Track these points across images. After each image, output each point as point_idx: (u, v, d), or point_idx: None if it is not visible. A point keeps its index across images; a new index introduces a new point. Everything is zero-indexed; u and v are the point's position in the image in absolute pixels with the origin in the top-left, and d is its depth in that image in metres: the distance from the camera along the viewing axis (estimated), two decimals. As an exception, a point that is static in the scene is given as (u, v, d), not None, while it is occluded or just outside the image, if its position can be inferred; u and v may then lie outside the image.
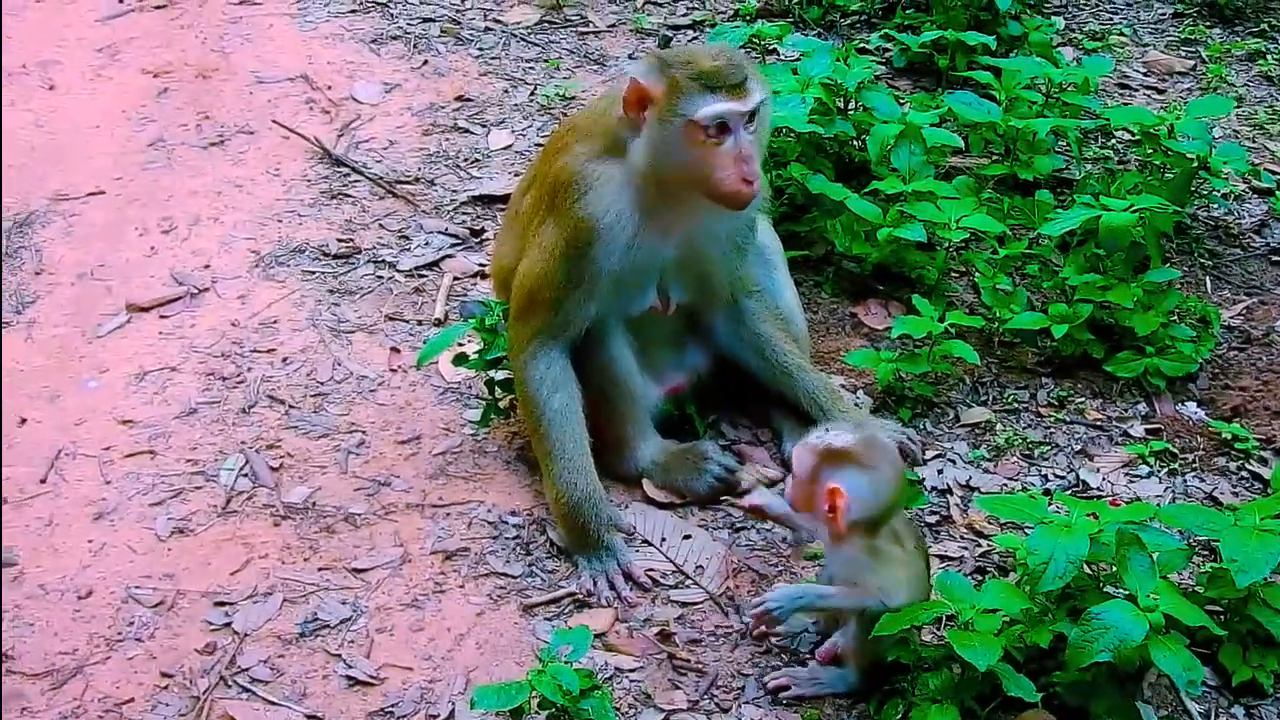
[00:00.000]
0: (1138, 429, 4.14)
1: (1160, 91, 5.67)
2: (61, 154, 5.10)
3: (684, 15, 6.07)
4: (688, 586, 3.66)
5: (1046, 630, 3.18)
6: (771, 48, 5.57)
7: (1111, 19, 6.23)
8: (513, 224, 3.94)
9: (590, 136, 3.70)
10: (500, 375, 3.98)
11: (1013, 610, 3.17)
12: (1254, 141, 5.38)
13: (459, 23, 5.89)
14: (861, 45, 5.70)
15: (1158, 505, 3.74)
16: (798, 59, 5.05)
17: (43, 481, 3.91)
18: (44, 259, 4.68)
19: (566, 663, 3.18)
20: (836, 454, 3.22)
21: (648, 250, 3.69)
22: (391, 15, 5.94)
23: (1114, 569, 3.21)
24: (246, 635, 3.49)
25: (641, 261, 3.70)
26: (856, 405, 4.12)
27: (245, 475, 3.93)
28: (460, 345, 4.04)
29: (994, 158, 5.03)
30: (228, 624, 3.52)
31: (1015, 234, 4.64)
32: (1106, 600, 3.14)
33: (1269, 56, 5.89)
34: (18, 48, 5.61)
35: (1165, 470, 4.00)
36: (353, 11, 5.95)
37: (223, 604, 3.57)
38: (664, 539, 3.79)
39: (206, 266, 4.66)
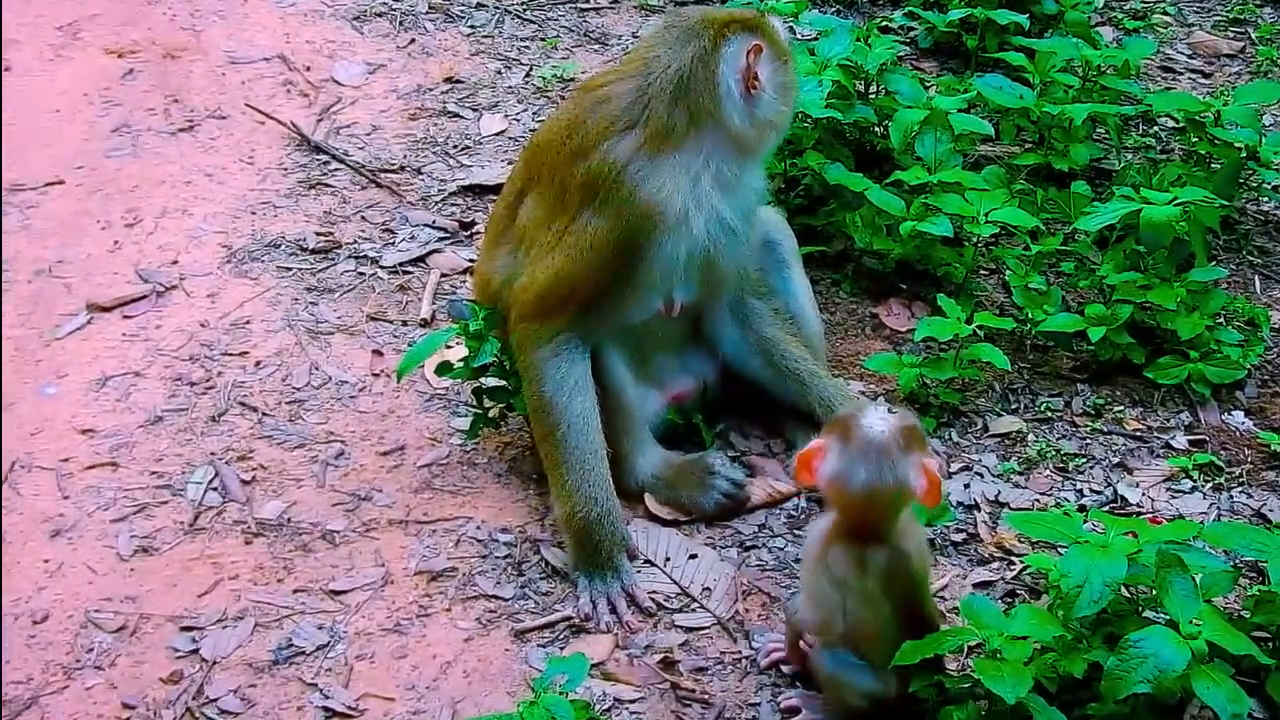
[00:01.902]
0: (1180, 440, 4.13)
1: (1207, 75, 5.67)
2: (17, 141, 5.11)
3: (691, -9, 6.08)
4: (693, 610, 3.65)
5: (1081, 659, 3.17)
6: (787, 25, 5.56)
7: (1155, -5, 6.25)
8: (505, 232, 3.91)
9: (636, 126, 3.66)
10: (490, 383, 3.98)
11: (1044, 638, 3.16)
12: (1308, 129, 5.37)
13: (449, -2, 5.90)
14: (884, 24, 5.70)
15: (1201, 523, 3.73)
16: (815, 39, 5.05)
17: (-5, 496, 3.92)
18: (-1, 254, 4.70)
19: (561, 693, 3.18)
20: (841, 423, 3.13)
21: (708, 235, 3.70)
22: (375, -10, 5.95)
23: (1153, 593, 3.20)
24: (215, 663, 3.49)
25: (696, 250, 3.71)
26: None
27: (214, 489, 3.93)
28: (449, 348, 4.04)
29: (1027, 146, 5.03)
30: (195, 650, 3.51)
31: (1049, 229, 4.64)
32: (1145, 626, 3.14)
33: (1324, 37, 5.90)
34: (-30, 25, 5.62)
35: (1210, 485, 4.00)
36: (333, -14, 5.96)
37: (189, 629, 3.57)
38: (668, 559, 3.79)
39: (174, 262, 4.66)
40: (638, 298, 3.73)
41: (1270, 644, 3.40)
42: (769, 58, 3.68)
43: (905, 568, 3.14)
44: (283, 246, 4.72)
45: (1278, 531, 3.40)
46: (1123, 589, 3.33)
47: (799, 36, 5.55)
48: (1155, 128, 5.28)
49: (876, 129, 4.84)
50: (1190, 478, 4.01)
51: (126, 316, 4.48)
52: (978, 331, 4.15)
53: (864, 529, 3.13)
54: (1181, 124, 4.93)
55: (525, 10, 5.87)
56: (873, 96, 4.85)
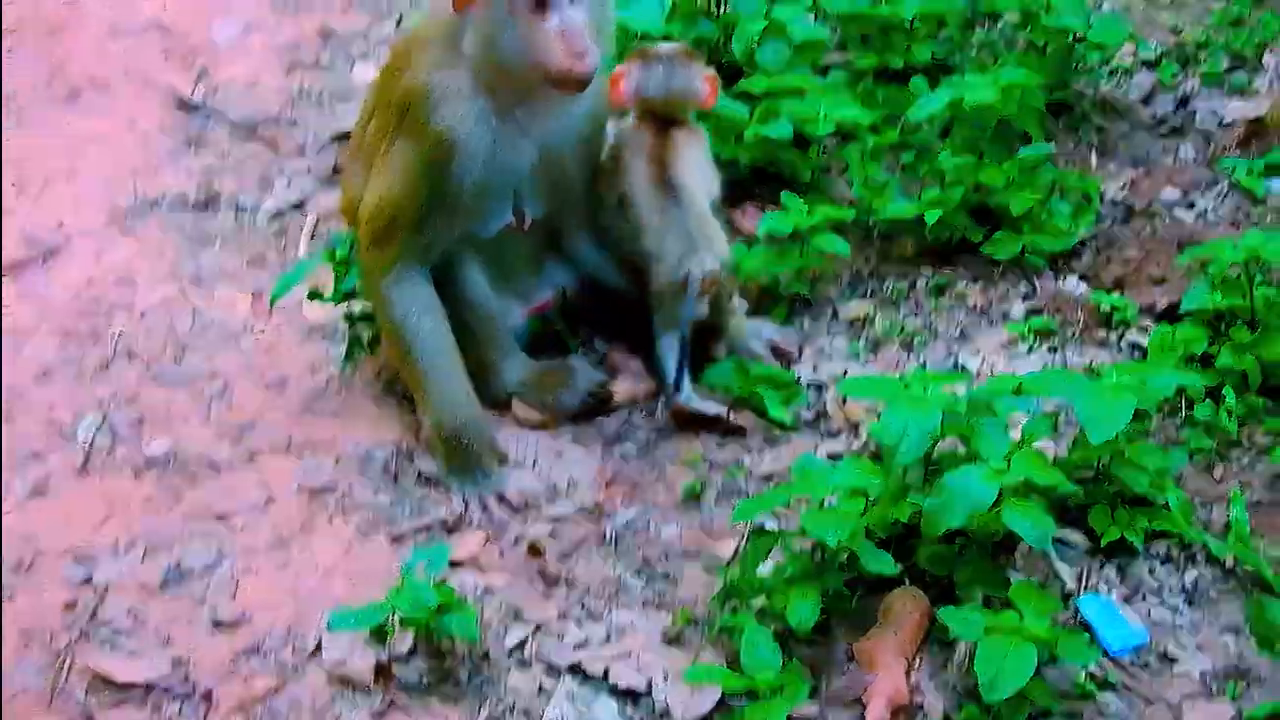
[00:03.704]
0: (1018, 309, 4.31)
1: (1050, -29, 5.80)
2: (-99, 120, 5.20)
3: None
4: (560, 501, 3.82)
5: (907, 505, 3.35)
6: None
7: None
8: (358, 153, 4.06)
9: (431, 44, 3.82)
10: (359, 308, 4.12)
11: (869, 487, 3.33)
12: (1144, 15, 5.52)
13: (320, -45, 5.99)
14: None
15: (1030, 373, 3.89)
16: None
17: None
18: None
19: (434, 582, 3.34)
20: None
21: (507, 158, 3.83)
22: (248, -46, 6.03)
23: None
24: (108, 589, 3.62)
25: (501, 171, 3.84)
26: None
27: (104, 432, 4.06)
28: (322, 284, 4.17)
29: (876, 51, 5.15)
30: (88, 579, 3.65)
31: (891, 124, 4.79)
32: (971, 472, 3.32)
33: (1163, -73, 6.04)
34: None
35: (1046, 347, 4.17)
36: (207, -47, 6.04)
37: (84, 560, 3.70)
38: (536, 459, 3.94)
39: (60, 225, 4.77)
40: (462, 220, 3.84)
41: (1091, 481, 3.59)
42: None
43: (700, 132, 4.12)
44: (164, 203, 4.84)
45: (1093, 377, 3.57)
46: (960, 444, 3.51)
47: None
48: (1001, 23, 5.43)
49: (727, 46, 4.96)
50: (1026, 342, 4.18)
51: (16, 279, 4.59)
52: (820, 224, 4.29)
53: (663, 124, 4.02)
54: (1021, 19, 5.08)
55: (395, -39, 5.97)
56: (724, 14, 4.98)
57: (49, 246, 4.68)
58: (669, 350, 3.97)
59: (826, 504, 3.33)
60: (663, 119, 4.05)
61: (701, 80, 4.08)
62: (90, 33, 5.58)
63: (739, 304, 4.30)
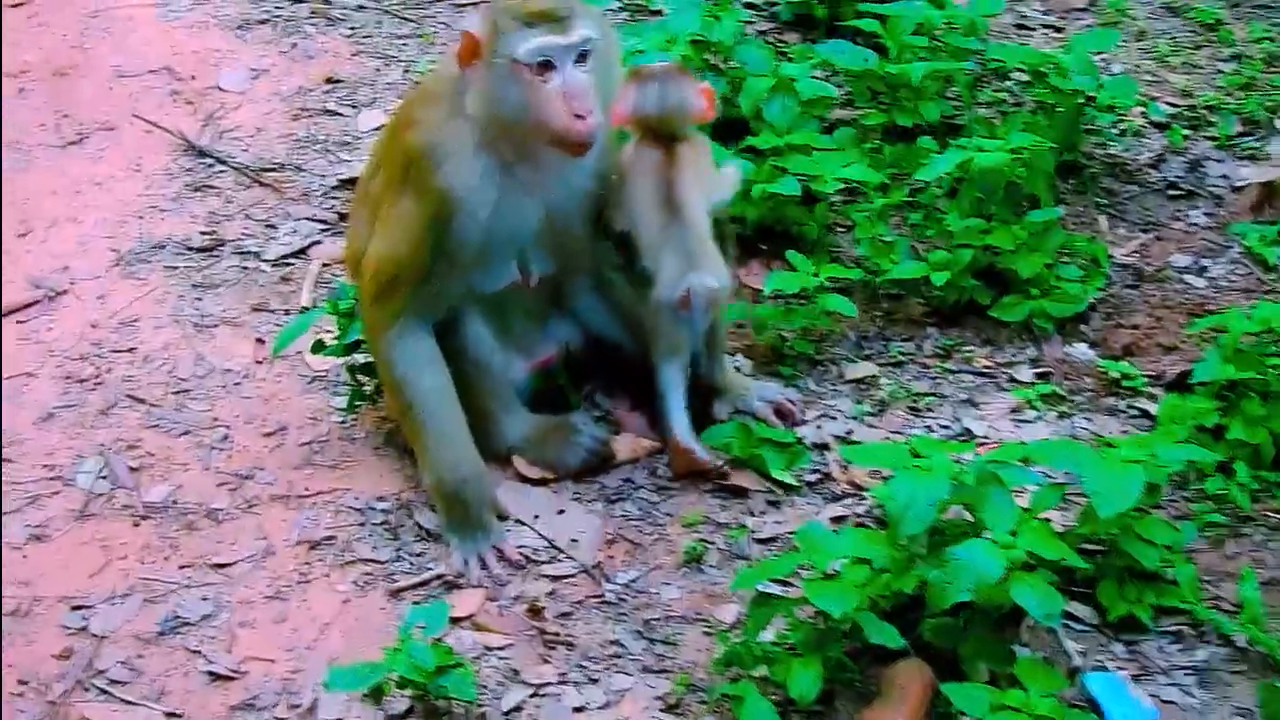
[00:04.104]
0: (1025, 374, 4.29)
1: (1059, 30, 5.83)
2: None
3: (565, -19, 6.19)
4: (560, 561, 3.79)
5: (913, 576, 3.32)
6: (655, 9, 5.72)
7: (1010, -45, 6.39)
8: (362, 206, 4.05)
9: (436, 101, 3.82)
10: (363, 360, 4.11)
11: (874, 557, 3.31)
12: (1155, 75, 5.54)
13: (330, 2, 6.00)
14: (747, 1, 5.84)
15: (1038, 442, 3.89)
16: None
17: (-109, 497, 4.02)
18: (-107, 271, 4.79)
19: (429, 640, 3.31)
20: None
21: (511, 217, 3.82)
22: (258, -1, 6.06)
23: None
24: (104, 637, 3.61)
25: (505, 230, 3.83)
26: (736, 369, 4.26)
27: (104, 477, 4.04)
28: (326, 333, 4.16)
29: (881, 107, 5.17)
30: (84, 627, 3.63)
31: (897, 183, 4.79)
32: (976, 543, 3.30)
33: (1171, -14, 6.07)
34: None
35: (1053, 414, 4.16)
36: (218, -3, 6.07)
37: (80, 608, 3.69)
38: (537, 516, 3.92)
39: (65, 268, 4.77)
40: (465, 277, 3.82)
41: (1099, 555, 3.57)
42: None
43: (703, 143, 4.06)
44: (169, 247, 4.83)
45: (1101, 447, 3.55)
46: (965, 512, 3.50)
47: (667, 15, 5.66)
48: (1009, 83, 5.44)
49: (735, 101, 4.97)
50: (1034, 408, 4.17)
51: (20, 322, 4.58)
52: (825, 284, 4.29)
53: (663, 140, 3.96)
54: (1030, 78, 5.09)
55: (404, 9, 5.99)
56: (730, 69, 4.99)
57: (53, 289, 4.68)
58: (671, 384, 3.95)
59: (830, 572, 3.30)
60: (663, 136, 4.00)
61: (697, 94, 4.02)
62: (98, 76, 5.60)
63: (743, 363, 4.30)
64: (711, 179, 4.05)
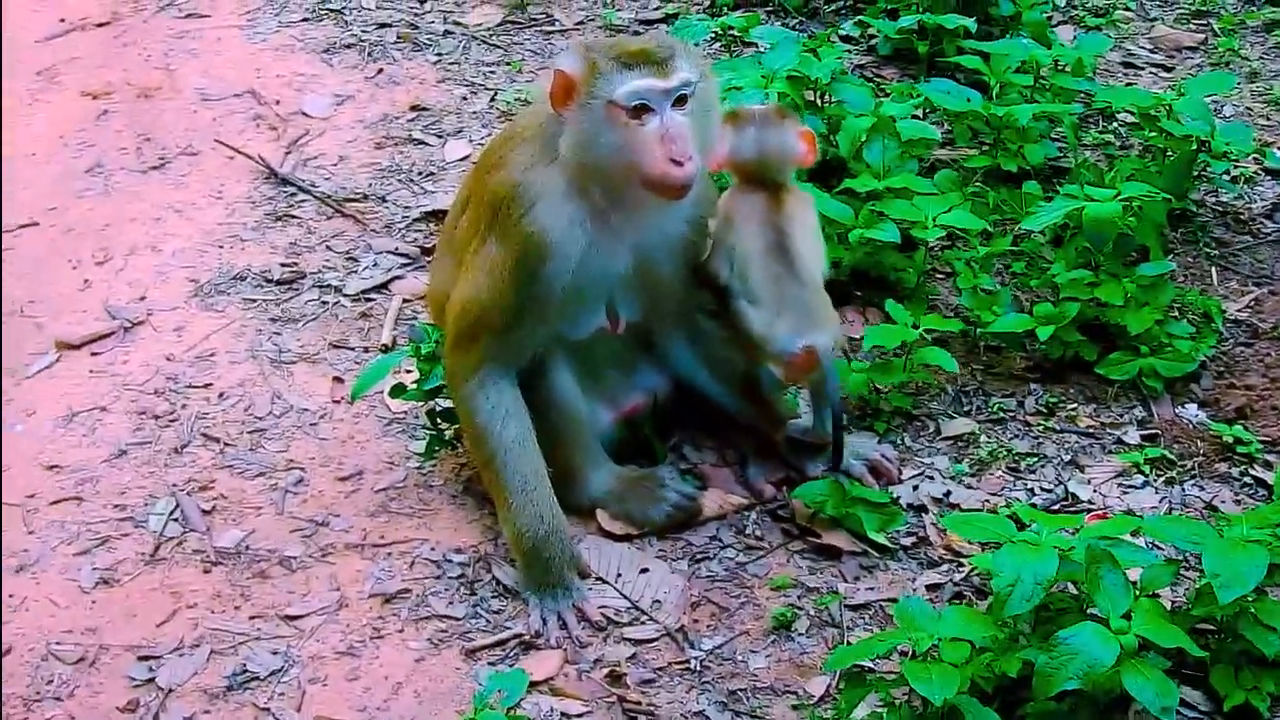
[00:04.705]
0: (1133, 435, 4.10)
1: (1168, 70, 5.64)
2: (-7, 186, 5.18)
3: (656, 9, 6.09)
4: (643, 623, 3.66)
5: (1016, 658, 3.16)
6: (749, 41, 5.59)
7: (1118, -9, 6.21)
8: (448, 245, 3.95)
9: (527, 142, 3.70)
10: (443, 405, 4.00)
11: (976, 637, 3.14)
12: (1269, 119, 5.33)
13: (417, 27, 5.94)
14: (845, 33, 5.70)
15: (1153, 516, 3.70)
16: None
17: (-38, 532, 3.97)
18: (-28, 297, 4.76)
19: (505, 709, 3.19)
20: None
21: (600, 263, 3.70)
22: (345, 22, 6.00)
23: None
24: (171, 691, 3.52)
25: (594, 275, 3.71)
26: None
27: (175, 520, 3.97)
28: (406, 373, 4.06)
29: (984, 149, 5.00)
30: (151, 679, 3.55)
31: (1001, 229, 4.62)
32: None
33: (1288, 25, 5.86)
34: (-51, 74, 5.71)
35: (1162, 479, 3.97)
36: (305, 20, 6.02)
37: (147, 658, 3.60)
38: (619, 574, 3.79)
39: (142, 298, 4.71)
40: (551, 324, 3.70)
41: (1214, 636, 3.38)
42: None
43: (808, 198, 3.96)
44: (248, 279, 4.77)
45: (1219, 523, 3.36)
46: (1071, 587, 3.32)
47: (763, 50, 5.53)
48: (1115, 124, 5.25)
49: (831, 139, 4.83)
50: (1142, 473, 3.98)
51: (94, 353, 4.53)
52: (925, 336, 4.13)
53: (765, 187, 3.85)
54: (1138, 120, 4.90)
55: (491, 36, 5.90)
56: (827, 106, 4.84)
57: (129, 320, 4.62)
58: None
59: (928, 649, 3.13)
60: (764, 182, 3.87)
61: (797, 137, 3.89)
62: (182, 98, 5.57)
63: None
64: (820, 238, 3.91)
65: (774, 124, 3.87)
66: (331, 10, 6.09)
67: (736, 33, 5.45)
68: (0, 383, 4.37)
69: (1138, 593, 3.21)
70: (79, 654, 3.62)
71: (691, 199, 3.64)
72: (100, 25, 6.02)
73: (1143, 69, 5.64)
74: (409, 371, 4.07)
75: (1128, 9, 6.05)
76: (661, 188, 3.54)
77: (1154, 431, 4.11)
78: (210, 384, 4.39)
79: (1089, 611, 3.26)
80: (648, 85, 3.47)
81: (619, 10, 6.08)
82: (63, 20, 6.08)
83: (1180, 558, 3.56)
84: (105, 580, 3.81)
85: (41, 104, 5.64)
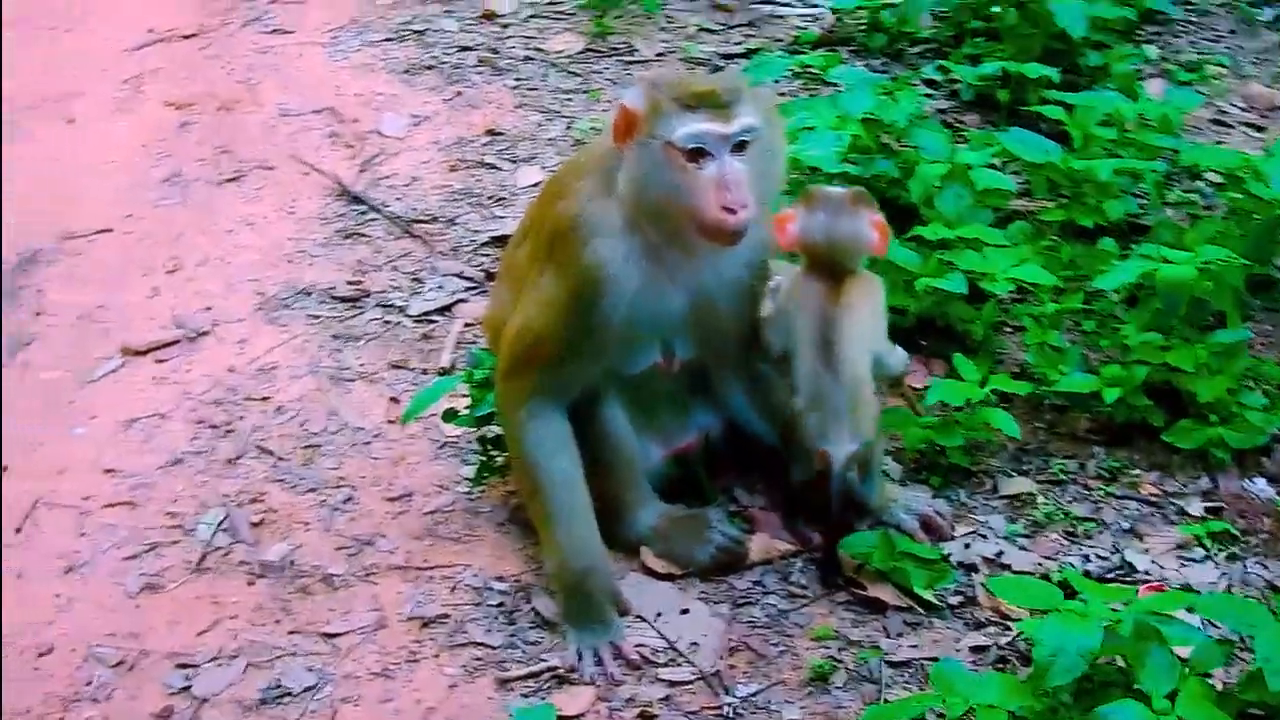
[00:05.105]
0: (1196, 507, 4.02)
1: (1260, 129, 5.54)
2: (72, 191, 5.30)
3: (738, 44, 6.10)
4: (679, 665, 3.64)
5: (1055, 730, 3.10)
6: (829, 81, 5.57)
7: (1212, 47, 6.11)
8: (508, 272, 3.98)
9: (590, 173, 3.71)
10: (495, 432, 4.02)
11: (1013, 706, 3.09)
12: (1359, 186, 5.20)
13: (498, 51, 6.00)
14: (927, 77, 5.66)
15: (1208, 594, 3.63)
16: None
17: (17, 531, 4.05)
18: (45, 299, 4.86)
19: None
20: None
21: (656, 300, 3.70)
22: (427, 44, 6.07)
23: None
24: (205, 700, 3.56)
25: (649, 313, 3.71)
26: (885, 473, 4.06)
27: (224, 530, 4.02)
28: (461, 398, 4.09)
29: (1062, 202, 4.94)
30: (187, 687, 3.59)
31: (1074, 286, 4.55)
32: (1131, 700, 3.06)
33: (1387, 89, 5.74)
34: (40, 79, 5.85)
35: (1224, 554, 3.88)
36: (387, 40, 6.10)
37: (185, 666, 3.65)
38: (660, 613, 3.77)
39: (208, 309, 4.79)
40: (605, 358, 3.70)
41: (1262, 720, 3.29)
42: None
43: (875, 286, 3.86)
44: (314, 294, 4.83)
45: (1273, 604, 3.28)
46: (1119, 660, 3.26)
47: (843, 89, 5.52)
48: (1200, 183, 5.17)
49: (902, 184, 4.80)
50: (1203, 546, 3.90)
51: (159, 361, 4.61)
52: (991, 396, 4.07)
53: (832, 273, 3.79)
54: (1224, 180, 4.81)
55: (571, 64, 5.95)
56: (904, 150, 4.81)
57: (195, 330, 4.70)
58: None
59: (962, 715, 3.08)
60: (832, 268, 3.85)
61: (870, 227, 3.81)
62: (262, 113, 5.66)
63: (891, 467, 4.11)
64: (879, 326, 3.86)
65: (847, 211, 3.80)
66: (414, 31, 6.17)
67: (815, 71, 5.44)
68: None
69: (1187, 671, 3.14)
70: (119, 657, 3.67)
71: (750, 244, 3.62)
72: (187, 37, 6.16)
73: (1233, 127, 5.56)
74: (464, 396, 4.10)
75: (1221, 65, 5.96)
76: (714, 234, 3.53)
77: (1219, 504, 4.02)
78: (269, 397, 4.45)
79: (1134, 688, 3.19)
80: (707, 129, 3.47)
81: (701, 44, 6.09)
82: (151, 30, 6.22)
83: (1236, 638, 3.48)
84: (151, 586, 3.87)
85: (125, 112, 5.77)
